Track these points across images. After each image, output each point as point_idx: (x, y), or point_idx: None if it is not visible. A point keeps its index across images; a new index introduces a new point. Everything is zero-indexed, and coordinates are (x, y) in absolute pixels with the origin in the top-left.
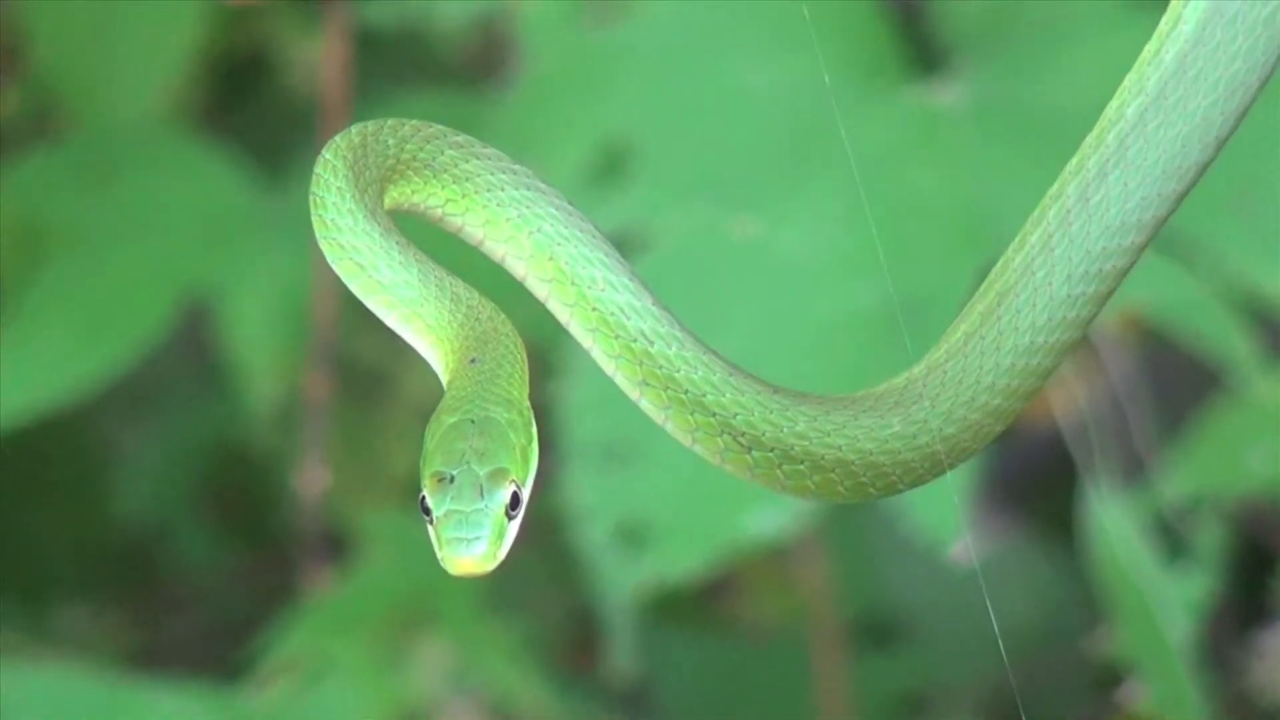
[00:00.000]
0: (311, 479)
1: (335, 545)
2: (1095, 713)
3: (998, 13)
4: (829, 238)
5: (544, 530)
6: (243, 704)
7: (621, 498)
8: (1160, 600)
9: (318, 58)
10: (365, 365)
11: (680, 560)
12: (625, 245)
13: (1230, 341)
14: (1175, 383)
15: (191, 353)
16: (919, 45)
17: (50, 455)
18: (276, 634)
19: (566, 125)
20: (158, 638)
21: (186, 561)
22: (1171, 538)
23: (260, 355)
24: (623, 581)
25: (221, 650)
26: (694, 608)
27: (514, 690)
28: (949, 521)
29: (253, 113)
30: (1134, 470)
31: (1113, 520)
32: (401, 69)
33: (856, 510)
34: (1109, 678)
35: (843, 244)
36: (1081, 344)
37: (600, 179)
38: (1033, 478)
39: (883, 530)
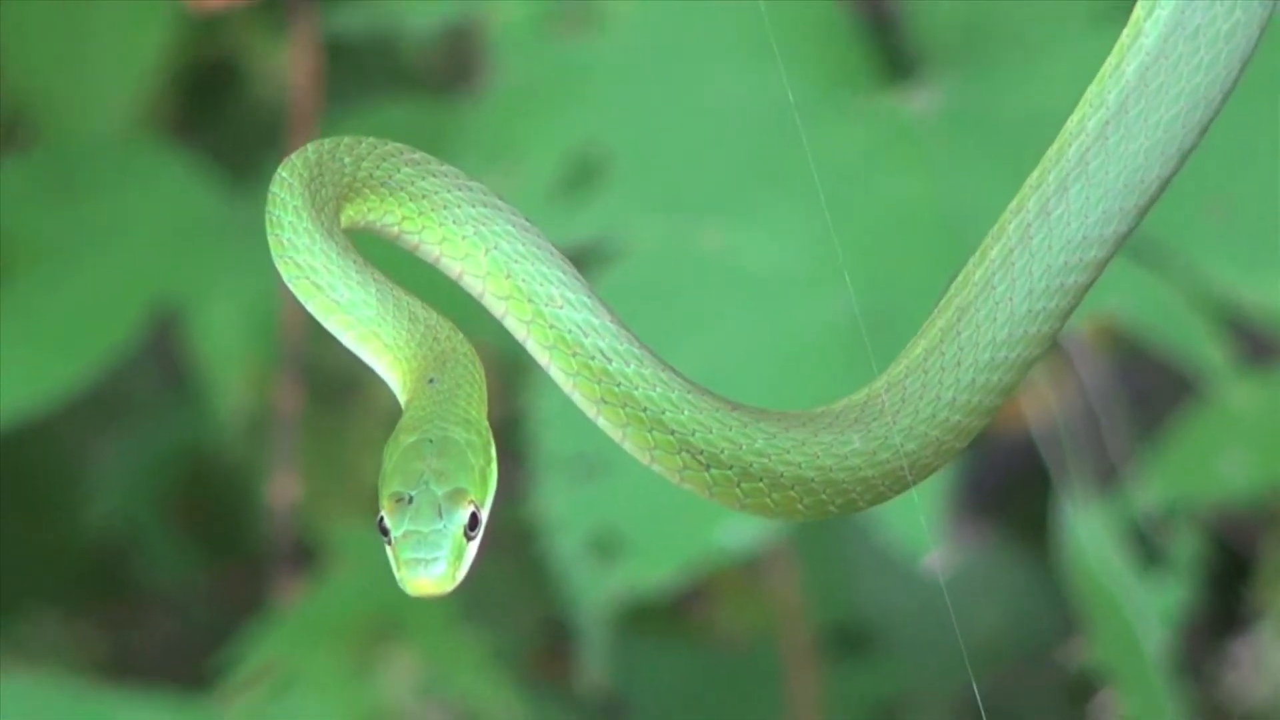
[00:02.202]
0: (282, 489)
1: (305, 555)
2: None
3: (969, 21)
4: (799, 249)
5: (515, 541)
6: (212, 714)
7: (592, 509)
8: (1135, 609)
9: (286, 68)
10: (335, 374)
11: (652, 571)
12: (595, 256)
13: (1203, 349)
14: (1149, 390)
15: (161, 363)
16: (890, 54)
17: (20, 465)
18: (246, 644)
19: (536, 135)
20: (127, 647)
21: (156, 571)
22: (1146, 546)
23: (229, 365)
24: (595, 593)
25: (191, 660)
26: (666, 618)
27: (484, 700)
28: (922, 533)
29: (221, 123)
30: (1107, 478)
31: (1086, 528)
32: (371, 78)
33: (828, 520)
34: (1083, 687)
35: (813, 255)
36: (1054, 351)
37: (570, 189)
38: (1006, 486)
39: (855, 540)
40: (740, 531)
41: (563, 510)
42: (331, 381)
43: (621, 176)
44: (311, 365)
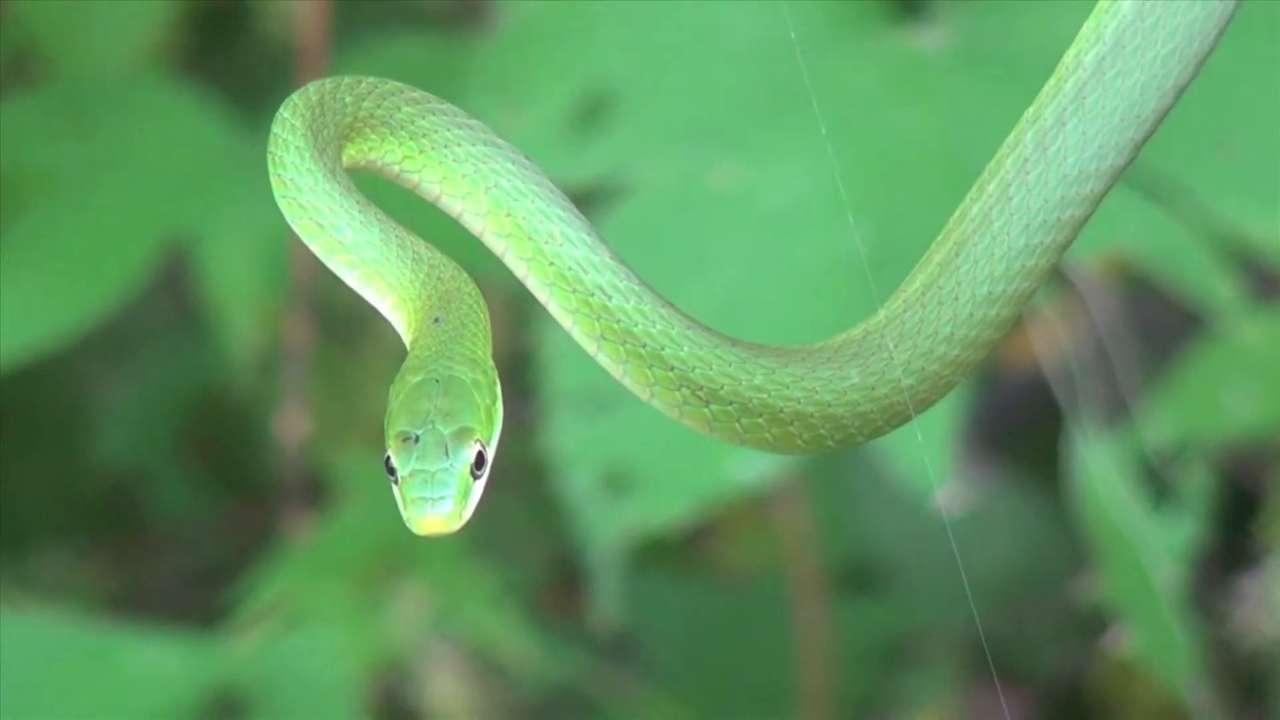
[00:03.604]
0: (292, 424)
1: (315, 490)
2: (1080, 658)
3: None
4: (810, 185)
5: (525, 477)
6: (223, 649)
7: (604, 445)
8: (1145, 544)
9: (296, 3)
10: (345, 310)
11: (663, 507)
12: (604, 193)
13: (1212, 284)
14: (1158, 326)
15: (171, 298)
16: None
17: (30, 402)
18: (257, 579)
19: (546, 72)
20: (138, 583)
21: (166, 507)
22: (1156, 482)
23: (240, 301)
24: (606, 529)
25: (201, 596)
26: (676, 553)
27: (494, 635)
28: (933, 469)
29: (231, 58)
30: (1118, 414)
31: (1097, 465)
32: (380, 14)
33: (838, 457)
34: (1094, 623)
35: (824, 192)
36: (1064, 287)
37: (580, 126)
38: (1017, 422)
39: (865, 476)
40: (751, 465)
41: (573, 446)
42: (342, 317)
43: (631, 113)
44: (321, 301)
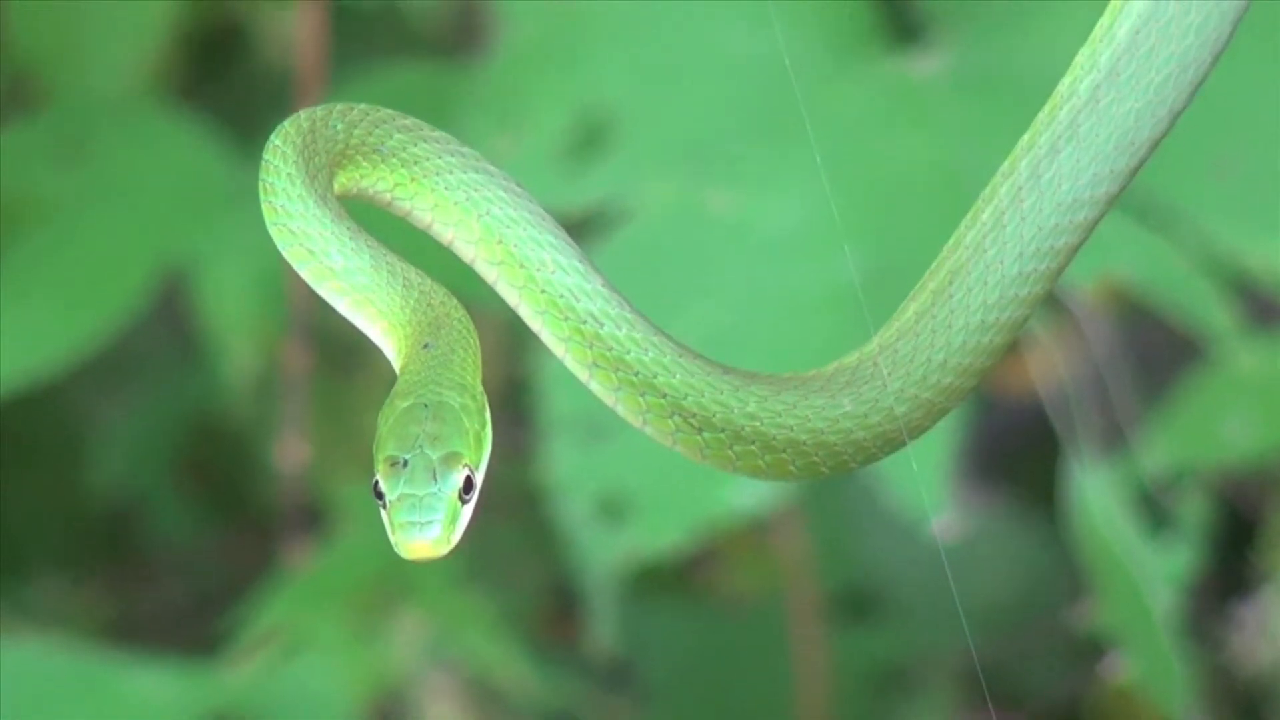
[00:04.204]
0: (290, 451)
1: (313, 518)
2: (1077, 685)
3: None
4: (807, 211)
5: (522, 504)
6: (220, 677)
7: (599, 472)
8: (1142, 572)
9: (293, 29)
10: (343, 337)
11: (660, 534)
12: (601, 219)
13: (1209, 311)
14: (1155, 353)
15: (168, 325)
16: (898, 16)
17: (28, 428)
18: (254, 607)
19: (543, 97)
20: (135, 610)
21: (164, 534)
22: (1153, 509)
23: (237, 327)
24: (602, 555)
25: (199, 623)
26: (672, 580)
27: (492, 662)
28: (928, 496)
29: (228, 85)
30: (1115, 441)
31: (1094, 491)
32: (378, 40)
33: (835, 484)
34: (1091, 650)
35: (820, 218)
36: (1060, 314)
37: (577, 152)
38: (1014, 448)
39: (862, 503)
40: (749, 492)
41: (569, 473)
42: (339, 344)
43: (628, 139)
44: (319, 327)
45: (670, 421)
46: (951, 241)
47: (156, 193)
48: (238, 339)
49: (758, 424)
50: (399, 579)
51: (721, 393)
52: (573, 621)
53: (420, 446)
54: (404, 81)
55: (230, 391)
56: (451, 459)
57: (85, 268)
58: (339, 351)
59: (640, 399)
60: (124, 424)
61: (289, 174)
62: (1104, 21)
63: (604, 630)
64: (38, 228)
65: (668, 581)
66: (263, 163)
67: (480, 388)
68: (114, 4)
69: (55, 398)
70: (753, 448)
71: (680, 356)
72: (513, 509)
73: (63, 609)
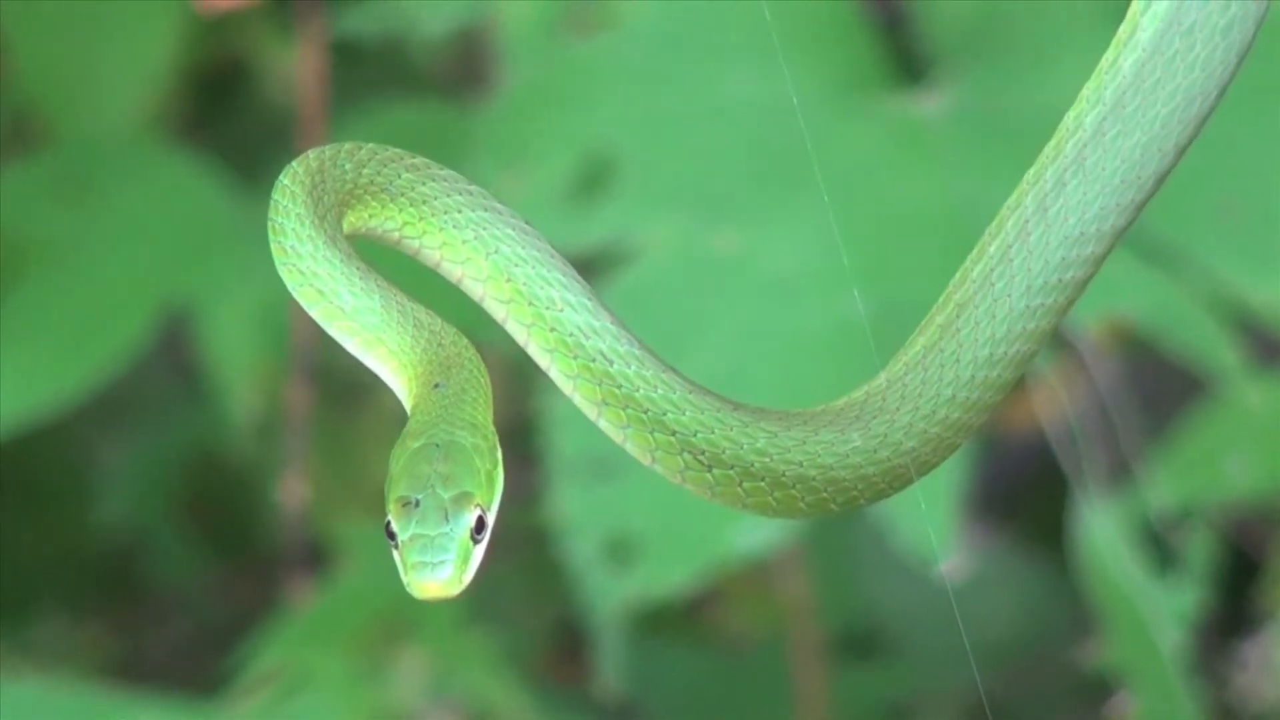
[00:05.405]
0: (292, 490)
1: (316, 556)
2: None
3: (980, 22)
4: (813, 250)
5: (527, 543)
6: (223, 715)
7: (607, 512)
8: (1149, 610)
9: (295, 69)
10: (345, 375)
11: (667, 575)
12: (608, 258)
13: (1214, 350)
14: (1161, 390)
15: (172, 364)
16: (901, 56)
17: (31, 467)
18: (257, 645)
19: (548, 138)
20: (137, 649)
21: (167, 572)
22: (1159, 546)
23: (240, 366)
24: (609, 596)
25: (202, 661)
26: (677, 620)
27: (495, 702)
28: (935, 535)
29: (231, 124)
30: (1121, 478)
31: (1101, 529)
32: (380, 79)
33: (840, 522)
34: (1098, 688)
35: (827, 257)
36: (1066, 352)
37: (583, 192)
38: (1020, 486)
39: (866, 542)
40: (754, 533)
41: (577, 513)
42: (342, 383)
43: (634, 179)
44: (321, 366)
45: (679, 459)
46: (959, 276)
47: (159, 231)
48: (240, 378)
49: (767, 460)
50: (402, 618)
51: (731, 429)
52: (578, 662)
53: (432, 486)
54: (407, 120)
55: (232, 430)
56: (463, 499)
57: (88, 306)
58: (341, 390)
59: (649, 436)
60: (126, 463)
61: (298, 214)
62: (1109, 55)
63: (609, 670)
64: (40, 266)
65: (672, 621)
66: (272, 203)
67: (492, 427)
68: (117, 43)
69: (58, 436)
70: (762, 484)
71: (689, 393)
72: (517, 548)
73: (65, 647)
